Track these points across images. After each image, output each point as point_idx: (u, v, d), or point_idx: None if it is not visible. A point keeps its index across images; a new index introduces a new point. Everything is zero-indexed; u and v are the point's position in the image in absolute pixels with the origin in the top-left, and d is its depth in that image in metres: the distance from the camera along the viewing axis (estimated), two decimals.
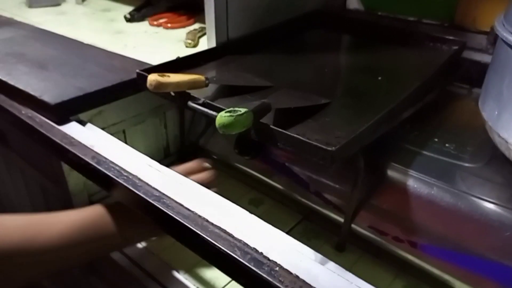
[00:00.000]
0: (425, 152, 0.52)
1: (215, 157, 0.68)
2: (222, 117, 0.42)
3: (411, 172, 0.48)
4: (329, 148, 0.40)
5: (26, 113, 0.56)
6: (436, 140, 0.54)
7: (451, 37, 0.71)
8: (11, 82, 0.59)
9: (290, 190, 0.59)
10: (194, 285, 0.50)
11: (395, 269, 0.51)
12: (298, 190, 0.58)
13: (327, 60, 0.72)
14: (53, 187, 0.63)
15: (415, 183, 0.48)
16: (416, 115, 0.56)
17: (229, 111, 0.43)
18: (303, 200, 0.58)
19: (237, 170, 0.65)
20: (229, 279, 0.51)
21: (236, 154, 0.58)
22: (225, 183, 0.67)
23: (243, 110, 0.43)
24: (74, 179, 0.57)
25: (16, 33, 0.83)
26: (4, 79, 0.60)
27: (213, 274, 0.52)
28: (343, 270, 0.34)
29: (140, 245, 0.56)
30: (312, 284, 0.32)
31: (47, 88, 0.57)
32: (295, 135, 0.43)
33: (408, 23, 0.81)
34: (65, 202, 0.61)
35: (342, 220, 0.53)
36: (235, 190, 0.65)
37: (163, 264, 0.53)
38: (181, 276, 0.51)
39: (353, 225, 0.52)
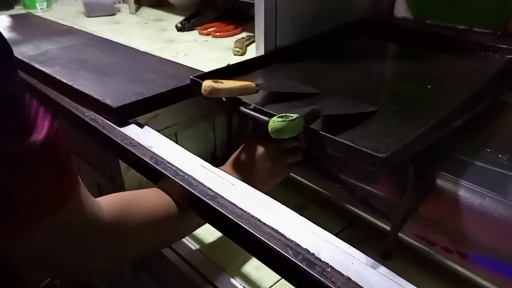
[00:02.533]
0: (477, 162, 0.51)
1: None
2: (274, 122, 0.44)
3: (463, 182, 0.47)
4: (380, 155, 0.41)
5: (89, 115, 0.60)
6: (488, 150, 0.53)
7: (504, 46, 0.69)
8: (76, 86, 0.64)
9: (335, 196, 0.60)
10: (241, 284, 0.52)
11: (444, 280, 0.51)
12: (344, 196, 0.58)
13: (375, 68, 0.72)
14: (109, 185, 0.66)
15: (467, 193, 0.47)
16: (467, 125, 0.55)
17: (281, 117, 0.44)
18: (348, 206, 0.58)
19: None
20: (275, 280, 0.52)
21: None
22: None
23: (294, 115, 0.45)
24: (130, 178, 0.61)
25: (76, 41, 0.89)
26: (69, 83, 0.65)
27: (259, 275, 0.53)
28: (395, 275, 0.34)
29: (189, 243, 0.58)
30: (365, 286, 0.33)
31: (108, 92, 0.61)
32: (344, 141, 0.44)
33: (458, 31, 0.79)
34: None
35: (388, 228, 0.53)
36: (280, 195, 0.65)
37: (211, 262, 0.55)
38: (228, 275, 0.52)
39: (399, 234, 0.52)
